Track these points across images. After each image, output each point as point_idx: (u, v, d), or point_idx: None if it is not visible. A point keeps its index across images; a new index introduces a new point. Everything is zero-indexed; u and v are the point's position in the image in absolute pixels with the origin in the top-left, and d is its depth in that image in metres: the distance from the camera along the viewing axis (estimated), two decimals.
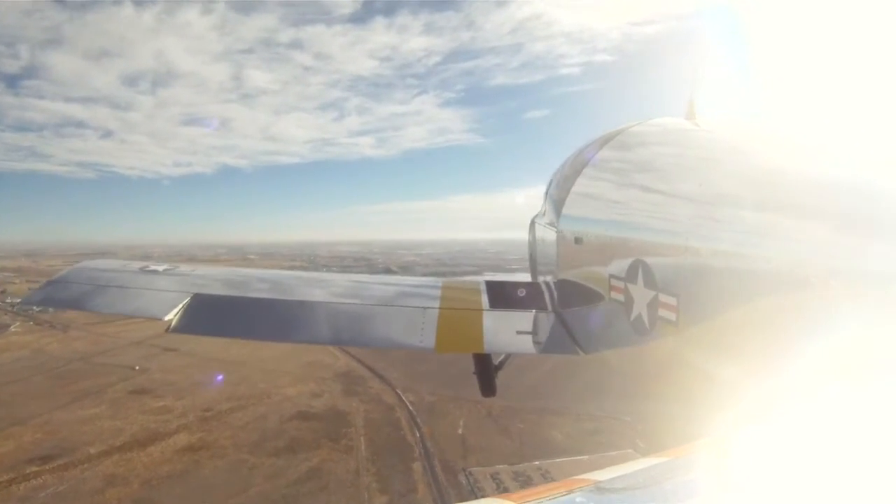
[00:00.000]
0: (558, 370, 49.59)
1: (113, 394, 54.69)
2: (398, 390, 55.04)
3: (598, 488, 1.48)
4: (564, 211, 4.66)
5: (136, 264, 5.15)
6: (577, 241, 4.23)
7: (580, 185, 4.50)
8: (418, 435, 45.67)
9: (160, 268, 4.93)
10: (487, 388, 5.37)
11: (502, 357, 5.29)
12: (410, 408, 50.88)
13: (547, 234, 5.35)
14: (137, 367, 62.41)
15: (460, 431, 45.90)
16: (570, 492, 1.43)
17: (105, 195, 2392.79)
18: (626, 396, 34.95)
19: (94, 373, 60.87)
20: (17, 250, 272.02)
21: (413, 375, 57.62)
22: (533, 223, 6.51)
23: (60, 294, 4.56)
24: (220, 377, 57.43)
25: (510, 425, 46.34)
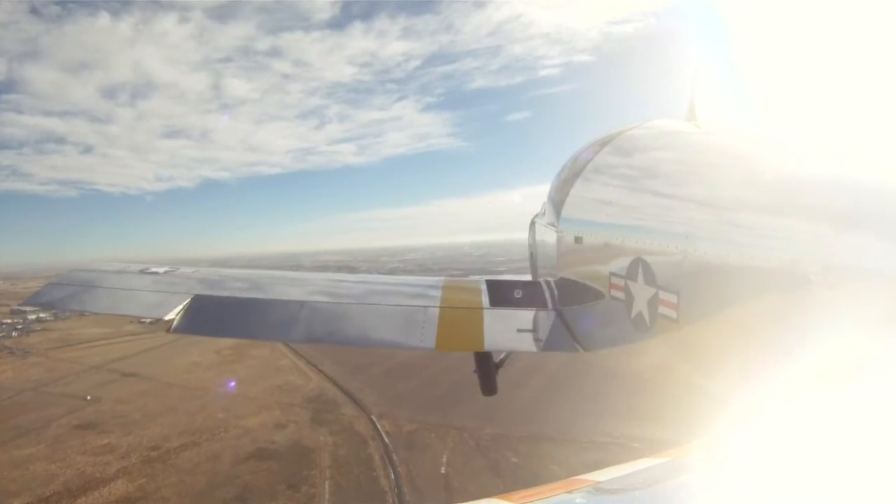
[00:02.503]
0: (553, 385, 44.39)
1: (56, 429, 48.67)
2: (373, 417, 48.46)
3: (598, 488, 1.53)
4: (564, 212, 4.65)
5: (137, 266, 5.09)
6: (578, 241, 4.21)
7: (580, 186, 4.47)
8: (393, 477, 38.94)
9: (161, 269, 4.89)
10: (488, 386, 5.36)
11: (503, 355, 5.33)
12: (386, 439, 44.08)
13: (547, 235, 5.37)
14: (89, 397, 56.33)
15: (443, 470, 39.15)
16: (569, 492, 1.48)
17: (87, 214, 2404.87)
18: (630, 415, 31.50)
19: (42, 404, 54.82)
20: None
21: (391, 398, 51.54)
22: (533, 224, 6.52)
23: (61, 295, 4.57)
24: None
25: (501, 459, 39.66)
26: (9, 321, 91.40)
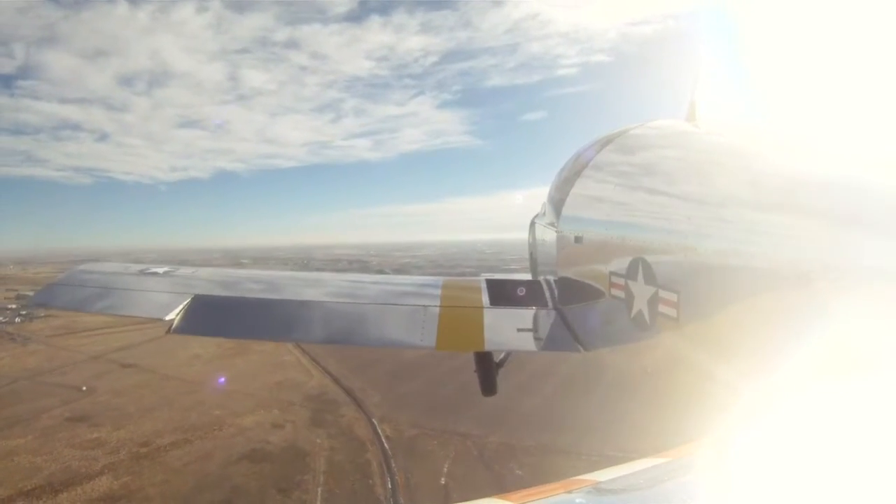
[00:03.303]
0: (562, 392, 42.42)
1: (48, 420, 47.18)
2: (374, 419, 46.19)
3: (598, 489, 1.53)
4: (564, 211, 4.61)
5: (137, 266, 5.15)
6: (578, 240, 4.20)
7: (580, 185, 4.44)
8: (390, 485, 36.67)
9: (160, 270, 4.94)
10: (488, 386, 5.46)
11: (503, 355, 5.43)
12: (386, 444, 41.77)
13: (547, 235, 5.38)
14: (84, 388, 54.86)
15: (443, 481, 36.73)
16: (569, 492, 1.48)
17: (101, 201, 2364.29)
18: (642, 425, 27.55)
19: (37, 394, 53.52)
20: (10, 258, 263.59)
21: (394, 399, 49.30)
22: (533, 223, 6.56)
23: (62, 296, 4.62)
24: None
25: (506, 472, 37.14)
26: (13, 307, 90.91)
